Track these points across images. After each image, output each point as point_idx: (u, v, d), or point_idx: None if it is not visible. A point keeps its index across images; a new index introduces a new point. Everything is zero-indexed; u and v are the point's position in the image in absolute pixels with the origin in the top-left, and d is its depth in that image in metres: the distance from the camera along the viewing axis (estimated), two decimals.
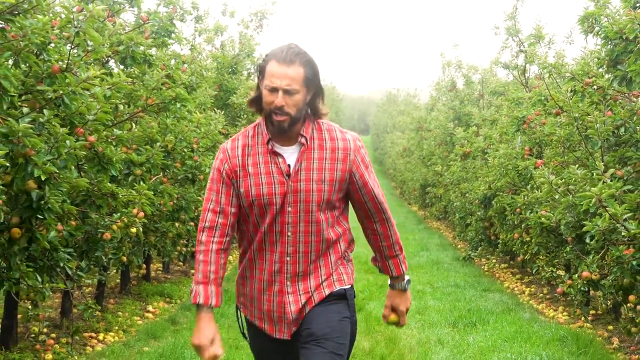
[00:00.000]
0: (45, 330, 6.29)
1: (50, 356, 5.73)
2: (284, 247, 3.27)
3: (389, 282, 3.53)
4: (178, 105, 6.50)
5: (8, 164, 4.30)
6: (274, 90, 3.17)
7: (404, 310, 3.50)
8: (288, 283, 3.30)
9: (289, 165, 3.24)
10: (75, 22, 4.75)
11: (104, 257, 6.06)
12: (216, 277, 3.26)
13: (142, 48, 6.16)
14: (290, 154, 3.26)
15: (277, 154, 3.25)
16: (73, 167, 4.94)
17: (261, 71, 3.23)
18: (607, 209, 5.27)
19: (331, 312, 3.33)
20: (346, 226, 3.44)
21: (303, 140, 3.25)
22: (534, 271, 8.62)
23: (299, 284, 3.31)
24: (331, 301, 3.36)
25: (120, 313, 7.34)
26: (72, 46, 4.90)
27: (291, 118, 3.18)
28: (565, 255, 7.16)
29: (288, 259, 3.28)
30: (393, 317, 3.50)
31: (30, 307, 5.81)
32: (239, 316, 3.54)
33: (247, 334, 3.52)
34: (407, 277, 3.50)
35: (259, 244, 3.31)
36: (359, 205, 3.40)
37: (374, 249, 3.50)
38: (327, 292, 3.32)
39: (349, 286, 3.42)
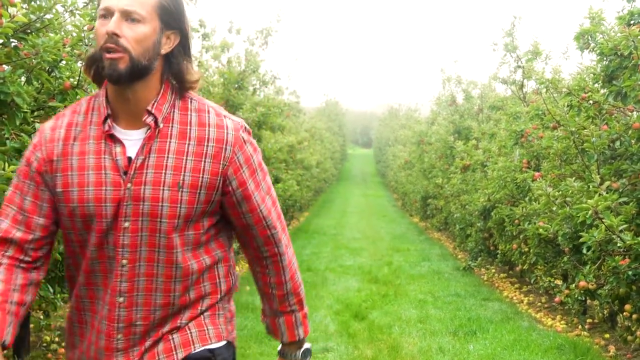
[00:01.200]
0: (56, 339, 6.40)
1: None
2: (117, 282, 2.17)
3: (279, 348, 2.48)
4: None
5: None
6: (107, 14, 2.12)
7: None
8: (119, 337, 2.19)
9: (129, 159, 2.17)
10: (86, 40, 4.85)
11: None
12: (3, 300, 2.13)
13: None
14: (135, 142, 2.18)
15: (115, 140, 2.17)
16: None
17: (98, 4, 2.18)
18: (603, 220, 5.36)
19: None
20: (220, 255, 2.32)
21: (150, 120, 2.16)
22: (532, 281, 8.75)
23: (135, 339, 2.21)
24: None
25: None
26: (83, 64, 5.00)
27: (131, 59, 2.09)
28: (562, 265, 7.27)
29: (121, 300, 2.18)
30: None
31: (42, 317, 5.92)
32: None
33: None
34: (306, 345, 2.44)
35: (87, 275, 2.23)
36: (240, 230, 2.33)
37: (261, 298, 2.45)
38: (181, 356, 2.23)
39: (221, 344, 2.31)
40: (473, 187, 11.37)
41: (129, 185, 2.14)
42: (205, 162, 2.17)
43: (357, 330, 7.38)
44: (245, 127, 2.27)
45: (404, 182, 23.58)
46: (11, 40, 4.58)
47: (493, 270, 11.09)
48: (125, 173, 2.14)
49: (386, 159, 34.98)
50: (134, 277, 2.17)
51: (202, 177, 2.17)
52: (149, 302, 2.19)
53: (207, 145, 2.18)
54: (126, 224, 2.14)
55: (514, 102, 10.83)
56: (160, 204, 2.14)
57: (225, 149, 2.19)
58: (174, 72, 2.21)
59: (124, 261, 2.16)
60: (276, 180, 13.01)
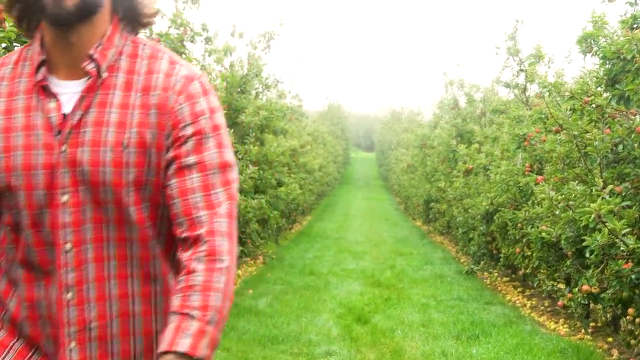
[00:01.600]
0: None
1: None
2: (62, 273, 1.72)
3: None
4: None
5: None
6: None
7: None
8: (72, 345, 1.73)
9: (64, 115, 1.74)
10: None
11: None
12: None
13: None
14: (73, 96, 1.75)
15: (48, 94, 1.75)
16: None
17: None
18: (606, 224, 5.35)
19: None
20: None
21: (92, 67, 1.75)
22: (535, 284, 8.74)
23: (92, 349, 1.74)
24: None
25: None
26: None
27: None
28: (565, 269, 7.26)
29: (69, 296, 1.72)
30: None
31: None
32: None
33: None
34: None
35: (24, 270, 1.78)
36: (168, 208, 1.76)
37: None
38: None
39: None
40: (475, 191, 11.37)
41: (63, 147, 1.72)
42: (151, 114, 1.74)
43: (360, 334, 7.38)
44: (202, 78, 1.82)
45: (406, 185, 23.59)
46: (14, 44, 4.59)
47: (496, 274, 11.09)
48: (60, 133, 1.72)
49: (389, 162, 34.99)
50: (82, 265, 1.72)
51: (152, 133, 1.73)
52: (102, 295, 1.73)
53: (153, 95, 1.76)
54: (64, 198, 1.71)
55: (517, 105, 10.83)
56: (101, 168, 1.71)
57: (170, 97, 1.75)
58: (125, 6, 1.82)
59: (68, 245, 1.71)
60: (279, 184, 13.01)
